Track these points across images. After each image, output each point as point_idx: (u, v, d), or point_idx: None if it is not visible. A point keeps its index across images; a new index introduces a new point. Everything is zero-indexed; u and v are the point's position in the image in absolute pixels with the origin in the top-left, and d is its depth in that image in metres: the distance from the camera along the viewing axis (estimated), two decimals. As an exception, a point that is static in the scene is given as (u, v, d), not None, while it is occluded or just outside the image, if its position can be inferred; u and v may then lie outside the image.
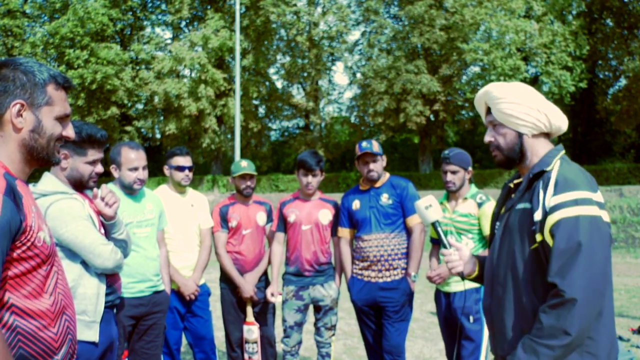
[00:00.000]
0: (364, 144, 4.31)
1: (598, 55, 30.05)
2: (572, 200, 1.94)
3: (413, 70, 26.79)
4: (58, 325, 1.72)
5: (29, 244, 1.66)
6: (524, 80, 27.09)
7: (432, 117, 28.50)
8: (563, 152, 2.14)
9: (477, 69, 27.97)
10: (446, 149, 4.22)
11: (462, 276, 2.39)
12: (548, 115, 2.11)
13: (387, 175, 4.41)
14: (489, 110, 2.22)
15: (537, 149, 2.14)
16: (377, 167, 4.29)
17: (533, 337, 1.92)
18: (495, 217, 2.29)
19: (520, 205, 2.09)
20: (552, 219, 1.95)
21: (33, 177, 2.77)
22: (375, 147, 4.30)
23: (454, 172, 4.09)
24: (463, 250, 2.42)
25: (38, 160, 1.78)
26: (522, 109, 2.11)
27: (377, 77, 27.46)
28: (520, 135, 2.14)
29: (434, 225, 2.51)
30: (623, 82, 29.65)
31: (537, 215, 2.00)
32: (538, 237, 2.00)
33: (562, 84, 26.09)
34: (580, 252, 1.89)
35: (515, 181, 2.22)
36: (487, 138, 2.21)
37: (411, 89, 26.50)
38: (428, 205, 2.49)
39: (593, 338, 1.94)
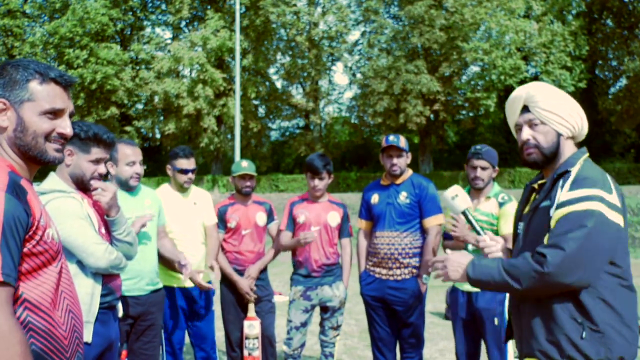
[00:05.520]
0: (391, 137, 4.27)
1: (598, 55, 30.05)
2: (584, 196, 2.00)
3: (413, 70, 26.78)
4: (66, 324, 1.72)
5: (37, 238, 1.65)
6: (523, 80, 27.11)
7: (432, 117, 28.49)
8: (587, 155, 2.20)
9: (477, 69, 28.00)
10: (477, 145, 4.11)
11: None
12: (583, 120, 2.20)
13: (410, 172, 4.37)
14: (524, 110, 2.22)
15: (566, 151, 2.21)
16: (401, 162, 4.25)
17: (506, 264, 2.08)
18: (518, 217, 2.33)
19: (543, 204, 2.14)
20: (560, 213, 2.02)
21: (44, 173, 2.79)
22: (402, 142, 4.25)
23: (484, 168, 4.00)
24: (497, 238, 2.44)
25: (31, 160, 1.74)
26: (567, 110, 2.18)
27: (377, 77, 27.45)
28: (558, 135, 2.19)
29: (464, 214, 2.47)
30: (623, 82, 29.66)
31: (552, 211, 2.06)
32: None
33: (561, 83, 26.10)
34: (581, 231, 1.96)
35: (540, 182, 2.26)
36: (525, 136, 2.20)
37: (411, 89, 26.49)
38: (454, 196, 2.47)
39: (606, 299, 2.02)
